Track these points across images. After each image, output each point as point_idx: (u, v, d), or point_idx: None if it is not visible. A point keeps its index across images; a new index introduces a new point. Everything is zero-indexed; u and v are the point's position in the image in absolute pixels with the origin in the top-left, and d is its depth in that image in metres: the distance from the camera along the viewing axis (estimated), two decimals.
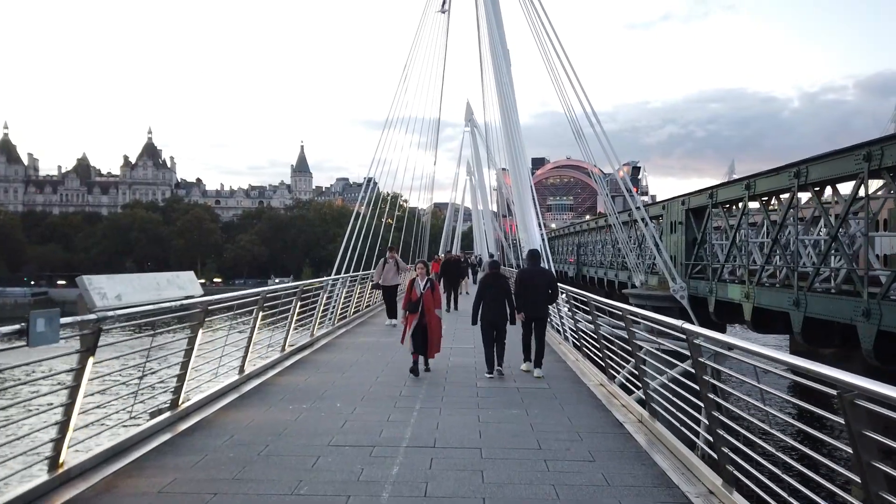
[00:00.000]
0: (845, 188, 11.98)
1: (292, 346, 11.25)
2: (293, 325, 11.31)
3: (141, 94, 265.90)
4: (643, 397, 6.70)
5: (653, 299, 19.27)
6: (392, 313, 15.26)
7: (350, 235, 21.13)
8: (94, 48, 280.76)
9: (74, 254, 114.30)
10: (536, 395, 7.93)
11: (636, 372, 6.83)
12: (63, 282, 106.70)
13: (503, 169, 45.56)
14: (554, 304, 11.56)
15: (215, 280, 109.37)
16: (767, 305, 13.74)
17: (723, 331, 19.10)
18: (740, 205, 16.30)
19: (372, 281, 16.68)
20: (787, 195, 13.20)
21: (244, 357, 8.65)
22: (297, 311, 11.34)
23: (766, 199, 14.66)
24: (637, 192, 35.13)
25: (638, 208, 19.45)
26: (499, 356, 9.30)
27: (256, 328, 9.02)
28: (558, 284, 10.33)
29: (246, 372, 8.62)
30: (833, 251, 11.98)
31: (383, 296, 16.12)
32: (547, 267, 15.02)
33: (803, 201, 13.15)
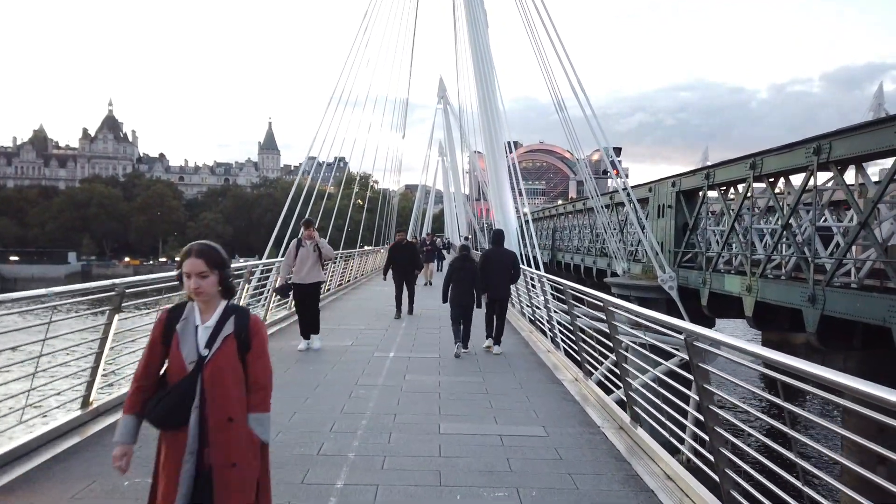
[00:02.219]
0: (874, 169, 10.38)
1: None
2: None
3: (101, 63, 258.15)
4: (623, 398, 6.09)
5: (637, 290, 17.66)
6: (313, 329, 9.61)
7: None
8: (54, 14, 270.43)
9: (29, 229, 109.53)
10: (508, 394, 7.31)
11: (616, 370, 6.21)
12: (16, 258, 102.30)
13: (476, 152, 44.09)
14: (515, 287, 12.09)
15: (176, 258, 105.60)
16: (774, 300, 12.14)
17: (712, 325, 17.60)
18: (739, 187, 14.69)
19: (280, 280, 10.06)
20: (802, 175, 11.55)
21: None
22: (247, 294, 10.64)
23: (772, 179, 13.01)
24: (617, 174, 33.46)
25: (625, 189, 17.72)
26: (465, 338, 9.59)
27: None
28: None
29: None
30: (858, 240, 10.39)
31: (295, 302, 10.10)
32: (524, 251, 15.13)
33: (822, 182, 11.50)
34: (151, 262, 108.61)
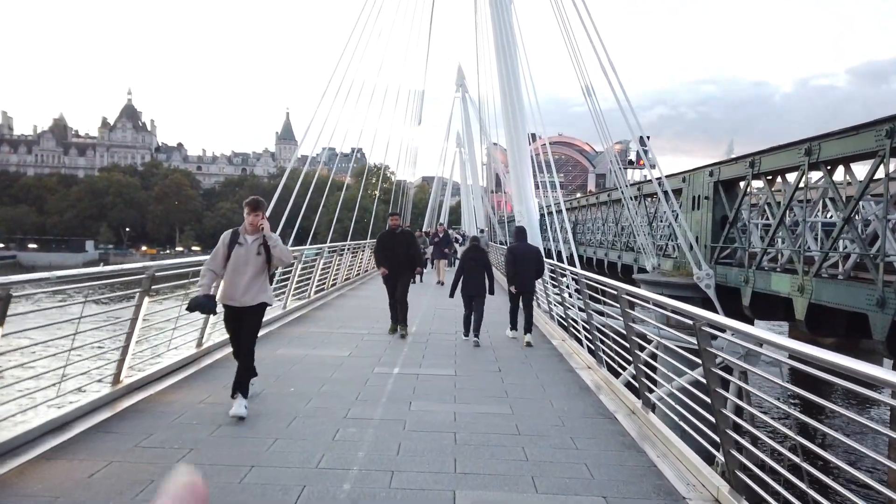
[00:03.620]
0: None
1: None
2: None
3: (121, 53, 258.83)
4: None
5: (669, 287, 16.31)
6: (246, 373, 5.77)
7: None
8: (74, 4, 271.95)
9: (47, 217, 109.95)
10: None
11: (634, 373, 6.05)
12: (34, 245, 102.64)
13: (495, 144, 42.93)
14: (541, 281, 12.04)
15: (193, 248, 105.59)
16: (831, 303, 10.80)
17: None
18: (789, 178, 13.32)
19: (200, 289, 5.75)
20: (870, 162, 10.19)
21: (203, 329, 7.93)
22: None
23: (830, 168, 11.62)
24: (643, 164, 32.15)
25: (658, 179, 16.37)
26: (475, 326, 9.78)
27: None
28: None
29: (205, 345, 8.00)
30: None
31: (226, 326, 6.19)
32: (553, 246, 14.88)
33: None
34: (168, 251, 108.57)
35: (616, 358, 7.66)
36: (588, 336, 8.85)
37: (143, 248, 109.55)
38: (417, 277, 14.52)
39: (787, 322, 16.78)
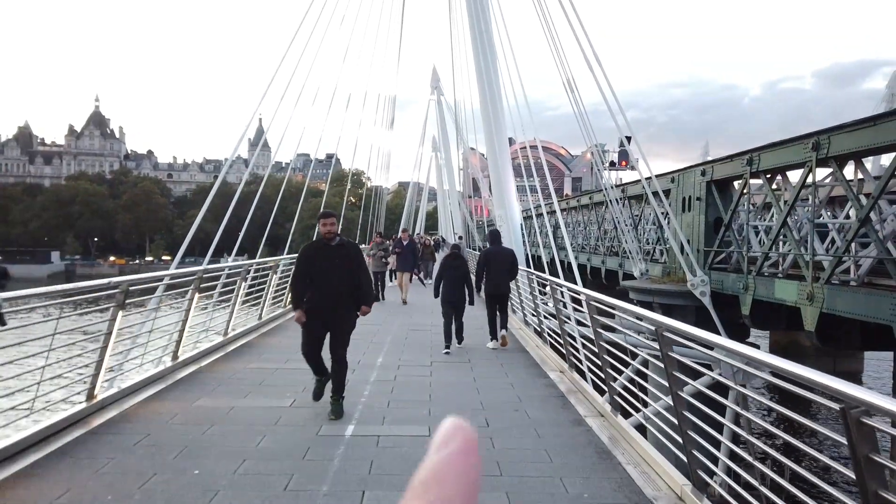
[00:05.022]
0: None
1: (234, 330, 10.34)
2: (237, 308, 10.55)
3: (88, 59, 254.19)
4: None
5: (661, 295, 15.28)
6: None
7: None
8: (38, 8, 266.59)
9: (11, 227, 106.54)
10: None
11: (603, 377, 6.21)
12: None
13: (471, 148, 41.96)
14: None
15: (164, 258, 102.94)
16: (847, 313, 9.77)
17: (747, 337, 15.28)
18: (791, 177, 12.35)
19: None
20: (892, 155, 9.19)
21: (178, 342, 7.93)
22: (242, 292, 10.85)
23: (839, 164, 10.61)
24: (626, 166, 31.32)
25: (648, 178, 15.31)
26: (458, 333, 9.90)
27: (192, 311, 8.34)
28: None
29: (180, 358, 7.88)
30: None
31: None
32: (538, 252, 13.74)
33: None
34: (138, 261, 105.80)
35: (585, 362, 7.61)
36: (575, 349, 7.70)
37: (112, 258, 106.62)
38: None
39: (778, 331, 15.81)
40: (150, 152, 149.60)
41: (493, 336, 10.12)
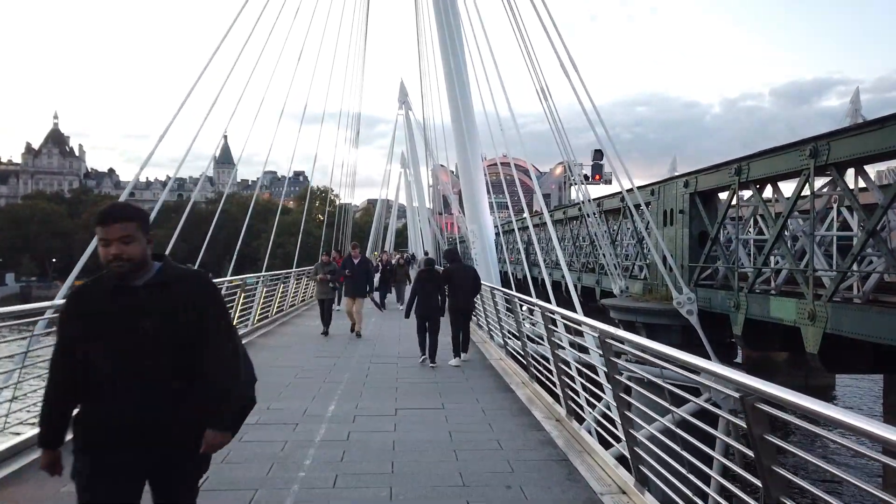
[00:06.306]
0: None
1: None
2: None
3: (46, 75, 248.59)
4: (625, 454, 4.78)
5: (645, 314, 14.42)
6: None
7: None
8: None
9: None
10: None
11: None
12: None
13: (441, 165, 41.23)
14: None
15: None
16: (855, 334, 8.94)
17: (734, 358, 14.47)
18: (784, 187, 11.60)
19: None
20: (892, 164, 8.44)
21: None
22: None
23: (839, 171, 9.86)
24: (600, 179, 30.73)
25: (630, 191, 14.48)
26: (431, 351, 10.03)
27: None
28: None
29: None
30: None
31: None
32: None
33: None
34: None
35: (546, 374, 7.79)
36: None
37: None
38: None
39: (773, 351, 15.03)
40: (111, 170, 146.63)
41: (456, 353, 10.36)
